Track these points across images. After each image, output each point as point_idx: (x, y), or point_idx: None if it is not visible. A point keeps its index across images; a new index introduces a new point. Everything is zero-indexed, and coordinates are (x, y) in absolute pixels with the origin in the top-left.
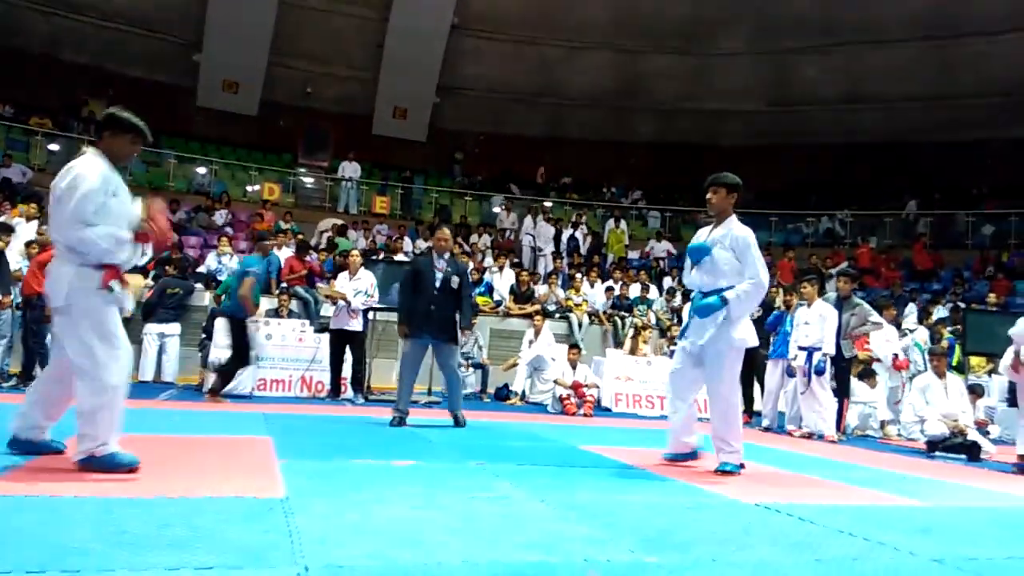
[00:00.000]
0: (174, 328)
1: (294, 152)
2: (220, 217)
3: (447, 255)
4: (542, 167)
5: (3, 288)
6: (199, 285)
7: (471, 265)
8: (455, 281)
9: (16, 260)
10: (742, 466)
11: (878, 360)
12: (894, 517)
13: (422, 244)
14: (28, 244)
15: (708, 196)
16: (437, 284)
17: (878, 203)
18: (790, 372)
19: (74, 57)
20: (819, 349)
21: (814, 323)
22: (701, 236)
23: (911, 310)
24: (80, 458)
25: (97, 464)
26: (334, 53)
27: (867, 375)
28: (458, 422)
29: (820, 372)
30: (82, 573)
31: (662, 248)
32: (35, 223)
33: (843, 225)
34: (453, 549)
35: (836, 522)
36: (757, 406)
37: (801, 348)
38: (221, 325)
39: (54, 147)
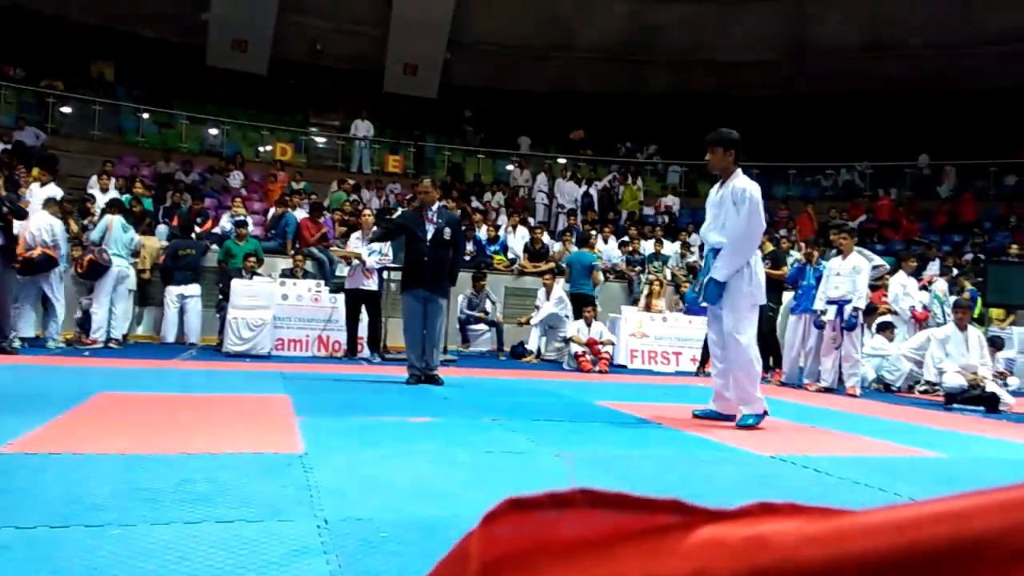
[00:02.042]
0: (194, 289)
1: (305, 112)
2: (234, 179)
3: (435, 206)
4: (581, 130)
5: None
6: (214, 246)
7: (484, 227)
8: (447, 232)
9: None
10: (764, 415)
11: (895, 312)
12: (911, 468)
13: None
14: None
15: (707, 157)
16: (429, 236)
17: (899, 154)
18: (817, 324)
19: (84, 18)
20: (849, 302)
21: (846, 275)
22: (711, 195)
23: (933, 265)
24: None
25: None
26: (343, 9)
27: (884, 328)
28: (435, 380)
29: (851, 327)
30: (105, 528)
31: (668, 202)
32: (51, 186)
33: (862, 177)
34: (469, 502)
35: (853, 473)
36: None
37: (831, 301)
38: (237, 287)
39: (66, 110)
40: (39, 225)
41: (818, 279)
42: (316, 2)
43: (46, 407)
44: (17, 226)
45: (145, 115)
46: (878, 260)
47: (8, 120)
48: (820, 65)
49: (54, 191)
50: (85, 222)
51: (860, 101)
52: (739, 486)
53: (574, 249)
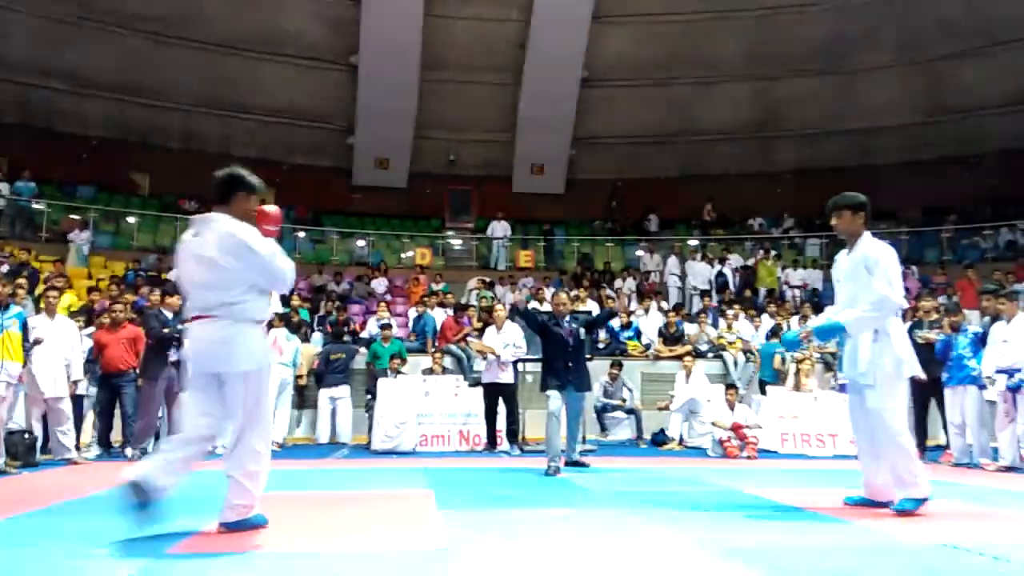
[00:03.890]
0: (343, 391)
1: (441, 217)
2: (379, 285)
3: (567, 317)
4: (709, 204)
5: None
6: (362, 350)
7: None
8: (581, 332)
9: None
10: (925, 501)
11: None
12: None
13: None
14: None
15: (833, 222)
16: (569, 344)
17: None
18: (981, 385)
19: (244, 152)
20: (1020, 370)
21: (1016, 340)
22: (839, 261)
23: None
24: (232, 520)
25: (245, 525)
26: (472, 120)
27: None
28: (580, 464)
29: (1016, 389)
30: None
31: (798, 277)
32: None
33: None
34: None
35: None
36: (939, 440)
37: (1000, 371)
38: (383, 386)
39: None
40: None
41: (974, 345)
42: (448, 117)
43: (213, 508)
44: None
45: (301, 234)
46: None
47: None
48: (964, 124)
49: None
50: None
51: (1012, 156)
52: (903, 575)
53: (711, 331)
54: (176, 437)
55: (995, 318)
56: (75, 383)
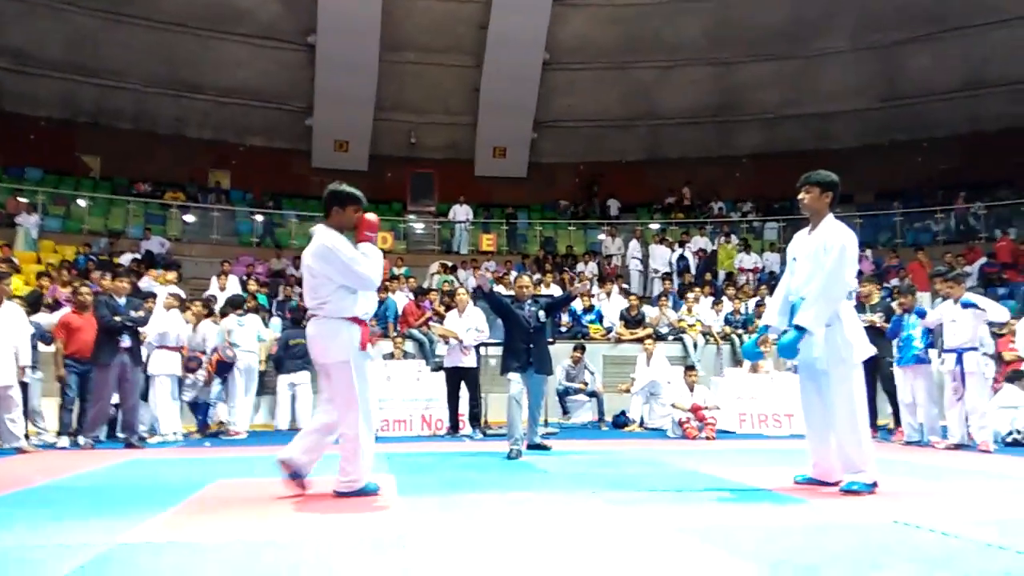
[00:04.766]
0: (303, 377)
1: (403, 200)
2: None
3: (528, 300)
4: (685, 187)
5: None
6: None
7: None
8: (542, 315)
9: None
10: (875, 486)
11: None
12: None
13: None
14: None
15: (800, 196)
16: (531, 327)
17: (1014, 193)
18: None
19: (198, 133)
20: (973, 349)
21: (963, 321)
22: (798, 240)
23: None
24: (342, 491)
25: (356, 494)
26: (434, 103)
27: (1017, 378)
28: (542, 447)
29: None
30: None
31: (751, 261)
32: (172, 287)
33: (977, 219)
34: None
35: (984, 536)
36: (884, 419)
37: (950, 350)
38: None
39: (188, 218)
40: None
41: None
42: (409, 99)
43: (168, 496)
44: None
45: (258, 217)
46: (989, 303)
47: (136, 231)
48: (918, 109)
49: (174, 291)
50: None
51: (966, 141)
52: (854, 555)
53: (672, 314)
54: (308, 426)
55: (945, 299)
56: (23, 369)
